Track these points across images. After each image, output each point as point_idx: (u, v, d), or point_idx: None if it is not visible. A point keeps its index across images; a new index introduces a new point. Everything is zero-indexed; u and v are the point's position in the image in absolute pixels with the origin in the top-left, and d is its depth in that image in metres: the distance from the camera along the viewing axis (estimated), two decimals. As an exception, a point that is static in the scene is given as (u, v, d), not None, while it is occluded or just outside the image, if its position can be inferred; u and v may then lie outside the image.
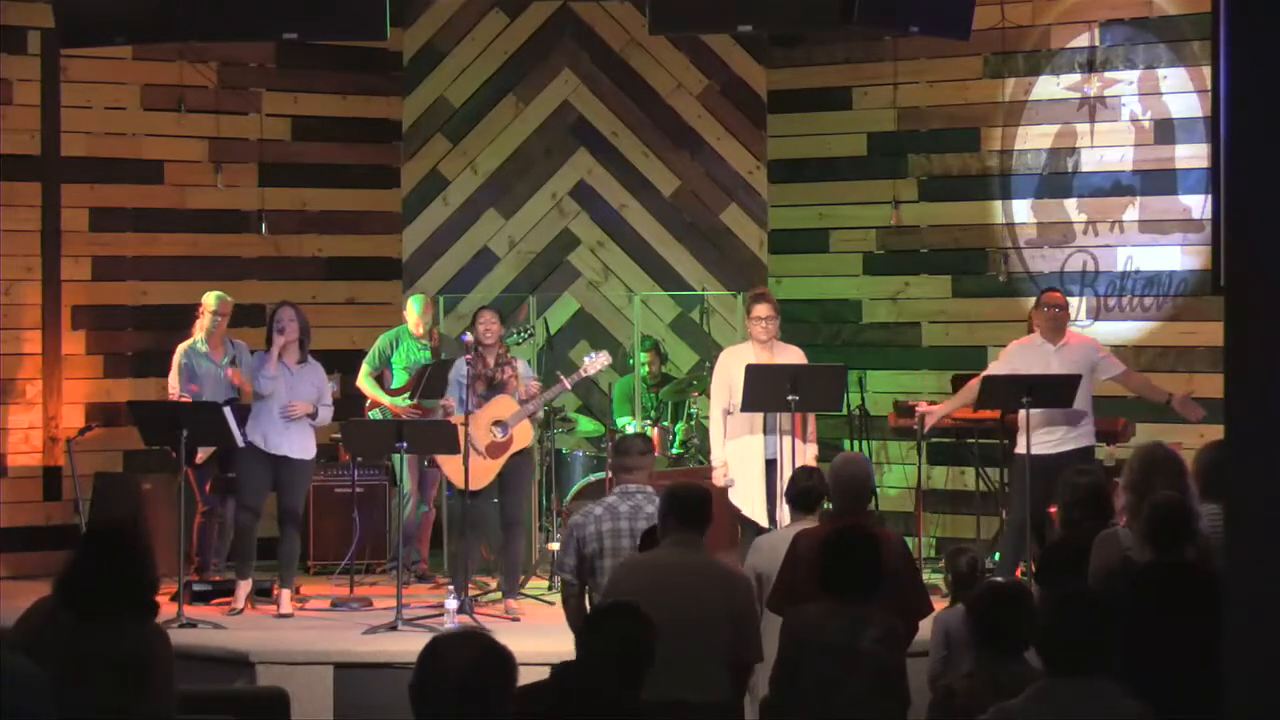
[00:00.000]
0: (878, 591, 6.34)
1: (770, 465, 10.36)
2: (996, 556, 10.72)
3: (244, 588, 10.45)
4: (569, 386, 10.84)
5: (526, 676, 5.01)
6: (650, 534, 7.38)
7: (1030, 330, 10.75)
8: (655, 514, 7.71)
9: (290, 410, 10.39)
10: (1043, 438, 10.26)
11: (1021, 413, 10.20)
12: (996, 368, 10.64)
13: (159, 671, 5.60)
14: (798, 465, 9.64)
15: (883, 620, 6.30)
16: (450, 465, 10.52)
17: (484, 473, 10.44)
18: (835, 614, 6.27)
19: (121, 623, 5.53)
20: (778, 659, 6.48)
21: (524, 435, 10.58)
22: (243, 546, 10.57)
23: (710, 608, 6.72)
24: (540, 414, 10.92)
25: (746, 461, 10.44)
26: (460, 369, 10.53)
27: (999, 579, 9.24)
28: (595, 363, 10.73)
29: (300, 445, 10.50)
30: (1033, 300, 11.51)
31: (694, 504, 6.96)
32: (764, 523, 10.26)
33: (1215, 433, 9.09)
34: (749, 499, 10.43)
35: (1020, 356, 10.51)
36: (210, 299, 11.26)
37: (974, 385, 10.68)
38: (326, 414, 10.62)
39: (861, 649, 6.19)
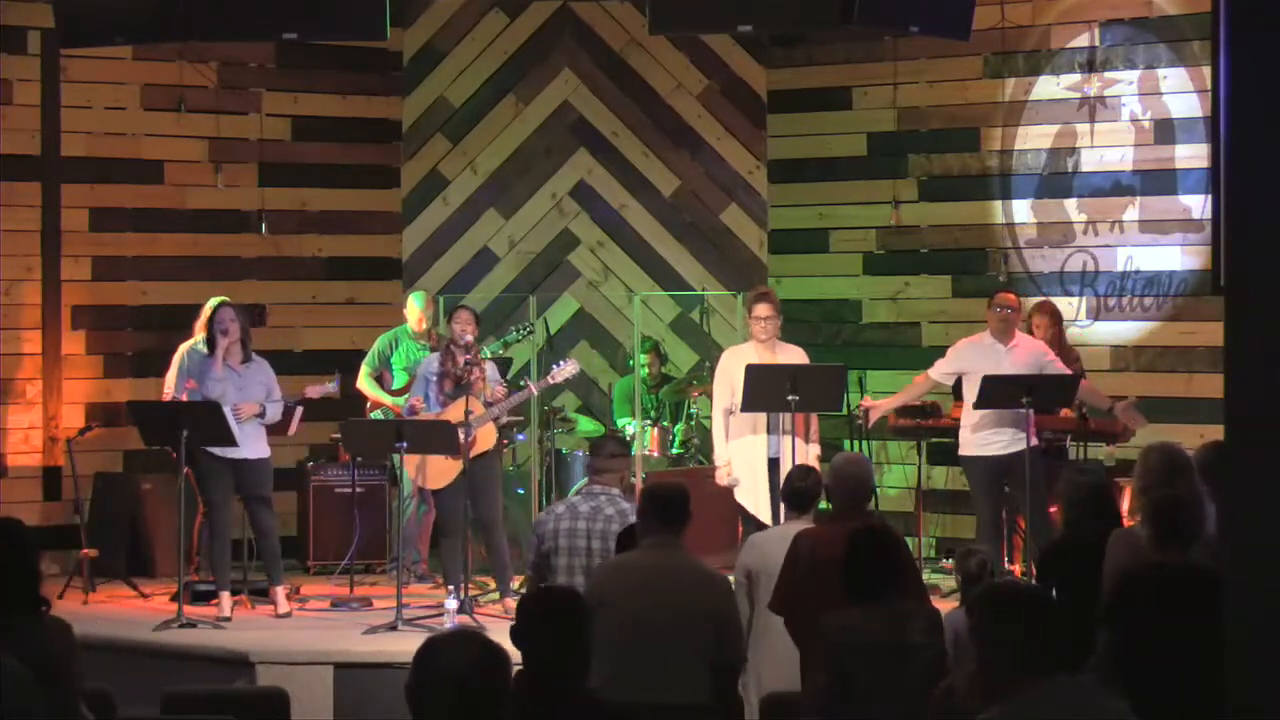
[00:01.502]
0: (900, 586, 6.36)
1: (774, 464, 10.37)
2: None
3: (226, 599, 10.36)
4: (535, 392, 10.82)
5: (526, 676, 5.00)
6: (626, 535, 7.38)
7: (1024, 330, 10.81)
8: (616, 516, 7.77)
9: (238, 412, 10.32)
10: (992, 439, 10.36)
11: (1005, 412, 10.26)
12: (944, 365, 10.71)
13: (52, 668, 5.37)
14: (797, 464, 9.66)
15: (921, 610, 6.32)
16: (412, 464, 10.52)
17: (447, 472, 10.41)
18: (877, 613, 6.25)
19: (4, 624, 5.32)
20: (824, 669, 6.42)
21: (487, 437, 10.51)
22: (221, 556, 10.44)
23: (689, 609, 6.70)
24: (536, 416, 10.88)
25: (751, 460, 10.44)
26: (430, 366, 10.53)
27: (999, 579, 9.25)
28: (563, 370, 10.70)
29: (256, 446, 10.43)
30: (1033, 301, 11.54)
31: (672, 502, 6.92)
32: (769, 521, 10.25)
33: (1215, 433, 9.09)
34: (754, 498, 10.44)
35: (970, 354, 10.58)
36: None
37: (920, 381, 10.92)
38: (276, 410, 10.54)
39: (913, 642, 6.20)
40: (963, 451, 10.58)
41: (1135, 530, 6.87)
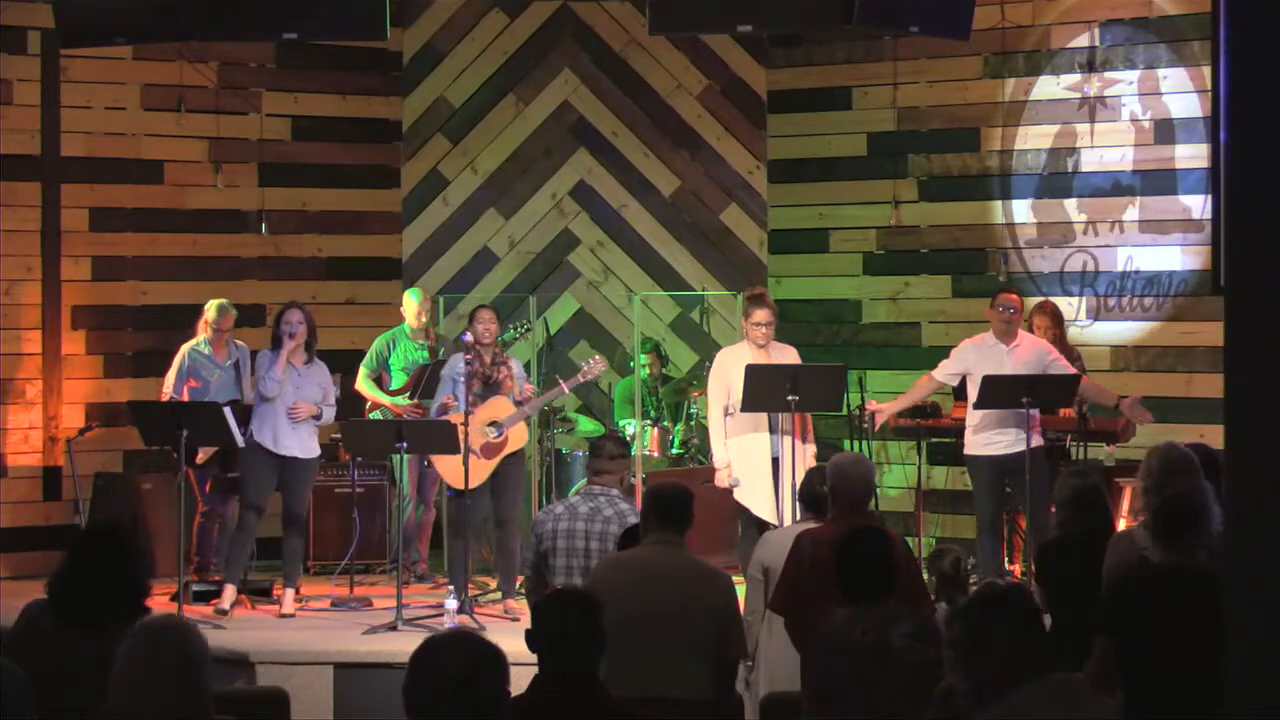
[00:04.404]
0: (894, 587, 6.35)
1: (775, 463, 10.37)
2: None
3: (230, 592, 10.40)
4: (567, 390, 10.84)
5: (524, 677, 5.00)
6: (627, 536, 7.41)
7: (1028, 328, 10.80)
8: (615, 517, 7.79)
9: (295, 413, 10.39)
10: (995, 439, 10.36)
11: (1008, 412, 10.27)
12: (947, 366, 10.72)
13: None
14: (801, 466, 9.68)
15: (912, 615, 6.31)
16: (445, 465, 10.52)
17: (478, 472, 10.43)
18: (863, 614, 6.25)
19: (106, 629, 5.38)
20: (812, 668, 6.42)
21: (519, 437, 10.56)
22: (240, 549, 10.52)
23: (690, 605, 6.73)
24: (535, 415, 10.91)
25: (753, 459, 10.43)
26: (457, 366, 10.53)
27: (998, 581, 9.26)
28: (593, 368, 10.74)
29: (306, 445, 10.54)
30: (1033, 301, 11.54)
31: (675, 503, 6.96)
32: (773, 520, 10.25)
33: (1215, 433, 9.08)
34: (757, 497, 10.42)
35: (973, 355, 10.59)
36: (211, 311, 11.16)
37: (924, 383, 10.92)
38: (330, 414, 10.65)
39: (894, 646, 6.19)
40: (967, 451, 10.59)
41: (1134, 531, 6.89)
